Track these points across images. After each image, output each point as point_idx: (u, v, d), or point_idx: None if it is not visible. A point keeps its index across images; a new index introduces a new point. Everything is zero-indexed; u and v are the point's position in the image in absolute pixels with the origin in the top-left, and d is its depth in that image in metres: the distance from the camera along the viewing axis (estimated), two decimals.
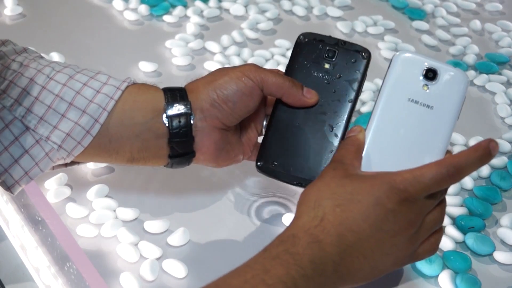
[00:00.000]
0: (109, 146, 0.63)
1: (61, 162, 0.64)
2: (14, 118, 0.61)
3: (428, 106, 0.57)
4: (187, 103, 0.62)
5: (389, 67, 0.59)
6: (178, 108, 0.62)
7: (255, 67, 0.63)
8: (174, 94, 0.63)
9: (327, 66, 0.64)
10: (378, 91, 0.59)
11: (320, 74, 0.64)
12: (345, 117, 0.63)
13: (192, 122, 0.62)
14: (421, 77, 0.58)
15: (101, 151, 0.63)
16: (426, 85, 0.57)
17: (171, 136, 0.62)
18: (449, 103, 0.57)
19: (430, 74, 0.57)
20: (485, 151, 0.54)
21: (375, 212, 0.52)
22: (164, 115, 0.62)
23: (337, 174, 0.55)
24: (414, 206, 0.53)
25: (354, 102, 0.63)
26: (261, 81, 0.63)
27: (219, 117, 0.63)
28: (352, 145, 0.57)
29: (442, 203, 0.57)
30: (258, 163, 0.65)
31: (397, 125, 0.57)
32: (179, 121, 0.62)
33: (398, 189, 0.53)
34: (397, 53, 0.59)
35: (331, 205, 0.53)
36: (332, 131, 0.63)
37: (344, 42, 0.65)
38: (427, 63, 0.58)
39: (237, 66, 0.64)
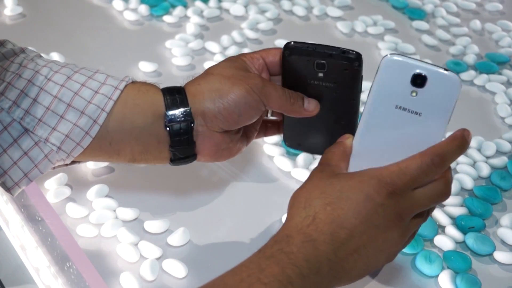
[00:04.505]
0: (110, 148, 0.63)
1: (61, 163, 0.64)
2: (13, 120, 0.60)
3: (416, 113, 0.54)
4: (187, 109, 0.62)
5: (377, 71, 0.55)
6: (178, 116, 0.61)
7: (261, 81, 0.62)
8: (174, 99, 0.62)
9: (320, 75, 0.63)
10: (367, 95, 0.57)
11: (317, 82, 0.63)
12: (352, 112, 0.63)
13: (193, 126, 0.62)
14: (409, 83, 0.54)
15: (102, 152, 0.63)
16: (415, 91, 0.54)
17: (172, 143, 0.62)
18: (439, 109, 0.54)
19: (419, 80, 0.54)
20: (462, 139, 0.55)
21: (365, 208, 0.53)
22: (165, 122, 0.62)
23: (325, 175, 0.56)
24: (402, 199, 0.53)
25: (357, 99, 0.63)
26: (265, 99, 0.62)
27: (220, 126, 0.63)
28: (338, 148, 0.58)
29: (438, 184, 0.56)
30: (286, 142, 0.69)
31: (384, 132, 0.56)
32: (180, 129, 0.62)
33: (385, 182, 0.53)
34: (386, 55, 0.55)
35: (321, 204, 0.53)
36: (343, 122, 0.64)
37: (331, 55, 0.61)
38: (415, 68, 0.54)
39: (243, 76, 0.62)
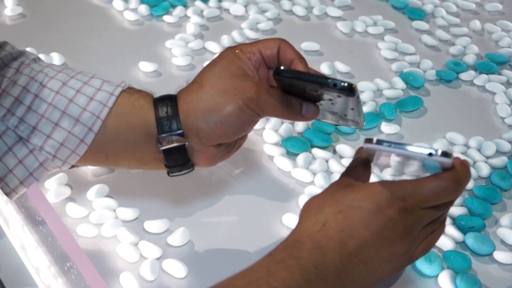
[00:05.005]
0: (107, 161, 0.63)
1: (57, 170, 0.63)
2: (7, 128, 0.60)
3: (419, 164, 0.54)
4: (180, 132, 0.60)
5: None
6: (171, 139, 0.60)
7: (257, 93, 0.60)
8: (166, 120, 0.60)
9: (316, 93, 0.60)
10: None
11: (313, 94, 0.60)
12: (354, 113, 0.61)
13: (187, 146, 0.61)
14: (399, 158, 0.54)
15: (99, 163, 0.64)
16: (408, 160, 0.54)
17: (167, 162, 0.62)
18: (436, 168, 0.53)
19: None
20: (469, 166, 0.54)
21: (376, 220, 0.52)
22: (159, 146, 0.61)
23: (341, 186, 0.55)
24: (412, 216, 0.53)
25: (356, 107, 0.60)
26: (261, 110, 0.61)
27: (215, 142, 0.62)
28: (356, 167, 0.57)
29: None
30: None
31: (395, 166, 0.57)
32: (174, 150, 0.61)
33: (397, 197, 0.53)
34: (367, 143, 0.53)
35: (332, 212, 0.53)
36: (346, 117, 0.63)
37: (322, 86, 0.57)
38: (399, 155, 0.53)
39: (237, 89, 0.60)
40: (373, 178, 0.58)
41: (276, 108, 0.61)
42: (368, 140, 0.53)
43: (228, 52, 0.63)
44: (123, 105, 0.62)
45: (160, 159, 0.62)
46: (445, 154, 0.51)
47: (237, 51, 0.62)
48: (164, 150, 0.61)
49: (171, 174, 0.64)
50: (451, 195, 0.54)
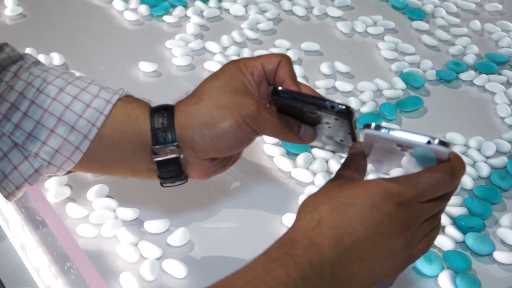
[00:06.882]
0: (101, 169, 0.63)
1: (52, 175, 0.63)
2: (3, 134, 0.60)
3: (411, 155, 0.53)
4: (175, 145, 0.60)
5: (364, 139, 0.55)
6: (166, 151, 0.60)
7: (256, 110, 0.59)
8: (162, 132, 0.60)
9: (313, 116, 0.59)
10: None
11: (311, 116, 0.59)
12: (351, 138, 0.59)
13: (181, 159, 0.61)
14: (396, 146, 0.53)
15: (93, 170, 0.63)
16: (403, 150, 0.53)
17: (161, 174, 0.62)
18: (431, 161, 0.53)
19: (403, 146, 0.53)
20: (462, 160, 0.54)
21: (371, 215, 0.52)
22: (153, 157, 0.60)
23: (335, 184, 0.55)
24: (409, 210, 0.53)
25: (354, 131, 0.58)
26: (259, 129, 0.60)
27: (210, 156, 0.61)
28: (352, 161, 0.57)
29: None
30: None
31: (389, 161, 0.56)
32: (167, 162, 0.61)
33: (392, 192, 0.52)
34: (366, 129, 0.53)
35: (327, 209, 0.53)
36: (343, 142, 0.61)
37: (319, 108, 0.56)
38: (397, 141, 0.52)
39: (237, 105, 0.59)
40: (369, 177, 0.58)
41: (274, 127, 0.60)
42: (367, 126, 0.53)
43: (231, 66, 0.62)
44: (119, 115, 0.61)
45: (154, 170, 0.62)
46: (442, 143, 0.51)
47: (240, 65, 0.61)
48: (157, 162, 0.61)
49: (164, 185, 0.64)
50: (447, 187, 0.53)
